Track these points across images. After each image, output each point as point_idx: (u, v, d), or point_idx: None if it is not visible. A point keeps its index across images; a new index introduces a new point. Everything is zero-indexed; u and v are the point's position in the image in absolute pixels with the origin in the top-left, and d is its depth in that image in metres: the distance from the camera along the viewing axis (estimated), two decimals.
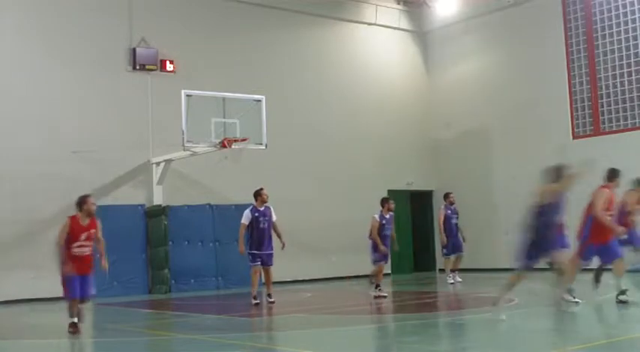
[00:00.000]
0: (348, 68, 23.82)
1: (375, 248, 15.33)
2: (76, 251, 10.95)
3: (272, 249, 14.72)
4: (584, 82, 21.49)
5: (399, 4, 25.10)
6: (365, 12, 24.36)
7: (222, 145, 17.35)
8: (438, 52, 25.36)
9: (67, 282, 10.98)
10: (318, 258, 21.79)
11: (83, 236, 11.03)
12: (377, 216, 15.48)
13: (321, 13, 23.34)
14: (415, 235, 24.84)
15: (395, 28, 25.07)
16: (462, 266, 18.78)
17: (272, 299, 14.52)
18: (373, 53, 24.52)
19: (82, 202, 11.20)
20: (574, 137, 21.56)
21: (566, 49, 21.82)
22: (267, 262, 14.64)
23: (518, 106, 22.81)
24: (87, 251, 11.07)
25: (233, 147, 17.43)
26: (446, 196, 18.81)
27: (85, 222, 11.12)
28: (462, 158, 24.19)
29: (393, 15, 24.97)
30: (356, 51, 24.19)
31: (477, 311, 12.94)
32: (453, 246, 18.35)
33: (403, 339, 10.23)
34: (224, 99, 17.71)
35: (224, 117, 17.52)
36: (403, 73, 25.15)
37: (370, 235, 15.42)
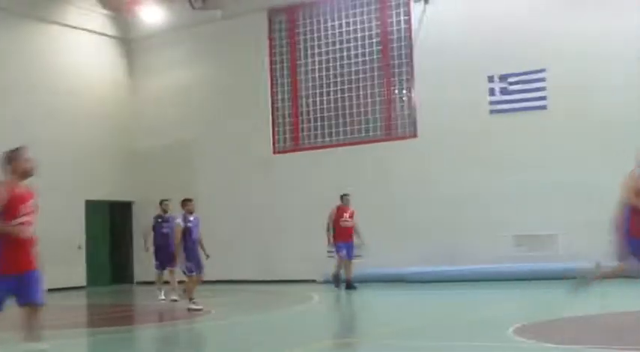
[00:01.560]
0: (48, 72, 22.48)
1: (187, 257, 13.87)
2: (18, 230, 7.12)
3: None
4: (286, 99, 22.21)
5: (104, 8, 24.27)
6: (68, 15, 23.22)
7: None
8: (145, 60, 24.86)
9: None
10: None
11: (24, 207, 7.25)
12: (180, 220, 13.96)
13: (26, 13, 21.93)
14: (114, 246, 24.10)
15: (100, 34, 24.18)
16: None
17: None
18: (75, 58, 23.36)
19: (11, 158, 7.33)
20: (275, 152, 22.16)
21: (270, 66, 22.41)
22: None
23: (223, 119, 22.96)
24: (31, 230, 7.27)
25: None
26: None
27: (23, 187, 7.38)
28: (167, 169, 23.80)
29: (98, 20, 24.07)
30: (57, 54, 22.91)
31: (180, 322, 12.76)
32: (163, 261, 16.78)
33: None
34: None
35: None
36: (106, 80, 24.26)
37: (180, 243, 13.94)
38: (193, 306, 13.86)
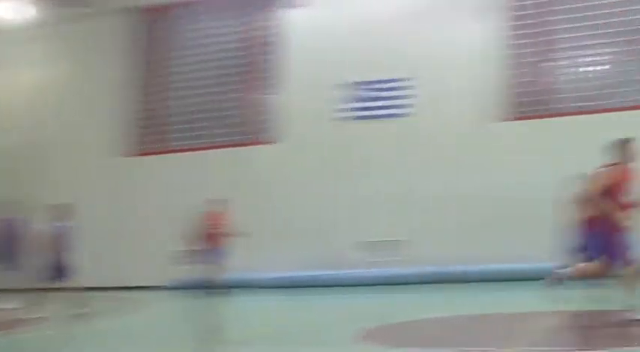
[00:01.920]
0: None
1: (50, 264, 13.39)
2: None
3: None
4: (151, 101, 21.77)
5: None
6: None
7: None
8: (1, 56, 23.74)
9: None
10: None
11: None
12: (48, 226, 13.46)
13: None
14: None
15: None
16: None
17: None
18: None
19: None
20: (135, 154, 21.66)
21: (136, 67, 21.94)
22: None
23: (83, 120, 22.16)
24: None
25: None
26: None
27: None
28: (20, 171, 22.65)
29: None
30: None
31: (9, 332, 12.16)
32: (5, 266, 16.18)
33: None
34: None
35: None
36: None
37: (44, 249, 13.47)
38: (34, 314, 13.34)
